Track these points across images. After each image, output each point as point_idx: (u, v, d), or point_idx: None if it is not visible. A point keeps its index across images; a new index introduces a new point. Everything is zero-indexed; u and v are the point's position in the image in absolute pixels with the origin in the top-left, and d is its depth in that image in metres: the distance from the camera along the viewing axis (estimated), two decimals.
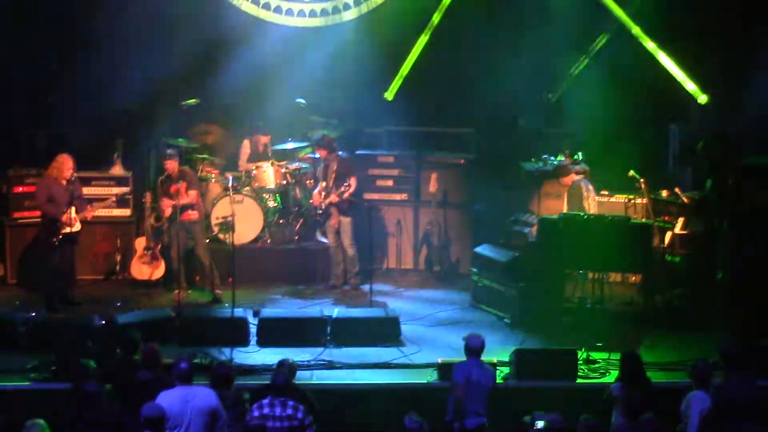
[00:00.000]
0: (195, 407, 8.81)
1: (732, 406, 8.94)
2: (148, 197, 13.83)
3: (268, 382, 9.57)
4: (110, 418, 9.13)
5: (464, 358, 9.86)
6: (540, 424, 8.66)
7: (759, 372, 9.90)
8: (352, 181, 13.90)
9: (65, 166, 12.93)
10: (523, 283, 12.83)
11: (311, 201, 14.52)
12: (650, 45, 15.32)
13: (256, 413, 8.79)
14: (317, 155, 14.31)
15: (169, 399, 8.80)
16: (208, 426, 8.83)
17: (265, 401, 8.88)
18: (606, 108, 14.83)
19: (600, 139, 14.99)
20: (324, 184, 14.07)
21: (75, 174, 13.08)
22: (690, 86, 15.38)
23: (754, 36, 14.82)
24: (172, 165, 13.48)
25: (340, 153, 14.12)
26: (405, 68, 15.86)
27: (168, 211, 13.48)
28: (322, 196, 14.02)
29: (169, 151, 13.70)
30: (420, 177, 14.99)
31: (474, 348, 9.79)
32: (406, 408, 9.01)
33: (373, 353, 11.82)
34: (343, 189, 13.80)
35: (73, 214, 12.91)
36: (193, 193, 13.51)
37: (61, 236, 12.87)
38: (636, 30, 15.33)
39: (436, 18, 15.71)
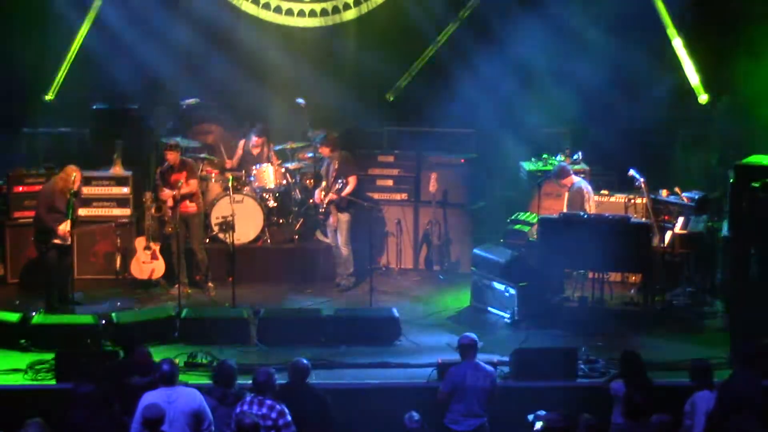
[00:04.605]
0: (177, 409, 8.80)
1: (736, 403, 8.94)
2: (148, 197, 13.83)
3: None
4: (106, 419, 9.14)
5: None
6: (539, 425, 8.66)
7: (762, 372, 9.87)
8: (351, 180, 13.92)
9: (71, 179, 12.78)
10: (523, 282, 12.83)
11: (311, 200, 14.54)
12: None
13: (238, 408, 8.84)
14: (320, 153, 14.35)
15: (151, 400, 8.78)
16: (191, 427, 8.82)
17: (248, 398, 8.91)
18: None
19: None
20: (325, 182, 14.10)
21: (79, 189, 13.06)
22: (694, 81, 15.43)
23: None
24: (173, 156, 13.60)
25: (342, 152, 14.13)
26: (409, 74, 15.92)
27: (170, 201, 13.57)
28: (323, 195, 14.04)
29: (170, 141, 13.80)
30: (420, 177, 14.99)
31: (466, 348, 9.77)
32: (406, 408, 9.01)
33: (373, 353, 11.83)
34: (338, 186, 13.81)
35: (67, 228, 12.84)
36: (193, 182, 13.65)
37: (51, 246, 12.83)
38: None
39: (442, 37, 15.80)
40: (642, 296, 13.11)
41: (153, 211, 13.74)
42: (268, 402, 8.84)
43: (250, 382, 9.26)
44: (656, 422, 8.70)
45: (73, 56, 15.39)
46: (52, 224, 12.77)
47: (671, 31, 15.45)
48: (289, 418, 8.83)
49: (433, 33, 15.94)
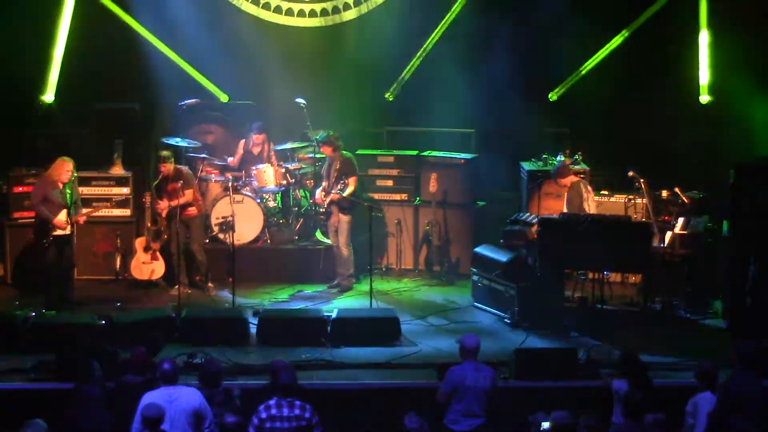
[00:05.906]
0: (178, 408, 8.82)
1: (736, 404, 8.95)
2: (147, 197, 13.84)
3: (267, 382, 9.59)
4: (106, 419, 9.14)
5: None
6: (546, 425, 8.65)
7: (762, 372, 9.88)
8: (351, 180, 13.91)
9: (63, 169, 12.91)
10: (523, 283, 12.83)
11: (311, 200, 14.54)
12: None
13: (264, 414, 8.77)
14: (322, 153, 14.35)
15: (152, 400, 8.79)
16: (192, 426, 8.83)
17: (272, 402, 8.85)
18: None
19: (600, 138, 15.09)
20: (326, 182, 14.09)
21: (75, 175, 13.10)
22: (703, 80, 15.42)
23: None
24: (167, 167, 13.62)
25: (344, 152, 14.13)
26: (407, 72, 15.92)
27: (164, 213, 13.60)
28: (324, 195, 14.04)
29: (163, 153, 13.78)
30: (420, 177, 14.99)
31: (468, 349, 9.77)
32: (406, 408, 9.01)
33: (373, 353, 11.82)
34: (340, 187, 13.81)
35: (64, 217, 12.91)
36: (189, 192, 13.64)
37: (51, 238, 12.88)
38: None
39: (436, 35, 15.82)
40: (642, 296, 13.11)
41: (149, 224, 13.77)
42: (298, 403, 8.85)
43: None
44: (651, 421, 8.71)
45: (63, 55, 15.33)
46: (47, 215, 12.83)
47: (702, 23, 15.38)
48: (317, 416, 8.86)
49: (431, 32, 15.93)
